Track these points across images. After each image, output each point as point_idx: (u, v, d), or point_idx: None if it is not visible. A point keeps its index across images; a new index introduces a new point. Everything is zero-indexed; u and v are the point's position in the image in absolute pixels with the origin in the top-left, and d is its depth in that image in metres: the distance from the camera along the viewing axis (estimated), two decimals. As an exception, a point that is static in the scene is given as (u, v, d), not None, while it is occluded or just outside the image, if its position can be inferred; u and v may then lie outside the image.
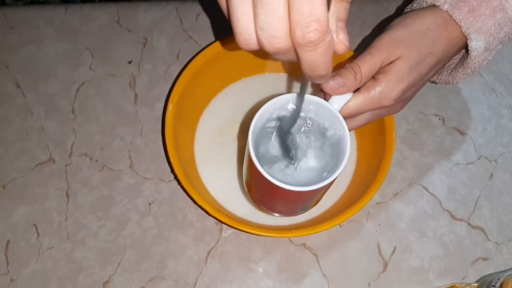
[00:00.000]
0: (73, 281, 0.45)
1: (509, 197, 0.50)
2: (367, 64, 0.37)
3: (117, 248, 0.46)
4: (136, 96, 0.53)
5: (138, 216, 0.48)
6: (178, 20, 0.57)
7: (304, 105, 0.35)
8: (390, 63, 0.38)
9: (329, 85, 0.36)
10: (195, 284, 0.45)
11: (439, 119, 0.53)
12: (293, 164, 0.37)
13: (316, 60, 0.26)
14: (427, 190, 0.50)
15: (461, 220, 0.49)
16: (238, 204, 0.48)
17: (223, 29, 0.56)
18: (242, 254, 0.47)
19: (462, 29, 0.39)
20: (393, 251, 0.47)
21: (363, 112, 0.38)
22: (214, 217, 0.42)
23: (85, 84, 0.53)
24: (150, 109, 0.52)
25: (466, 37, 0.40)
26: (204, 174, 0.49)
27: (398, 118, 0.51)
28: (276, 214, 0.44)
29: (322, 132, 0.37)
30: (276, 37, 0.25)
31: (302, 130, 0.37)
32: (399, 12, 0.53)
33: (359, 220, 0.48)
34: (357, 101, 0.37)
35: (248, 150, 0.34)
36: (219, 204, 0.47)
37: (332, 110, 0.35)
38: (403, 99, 0.40)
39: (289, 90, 0.53)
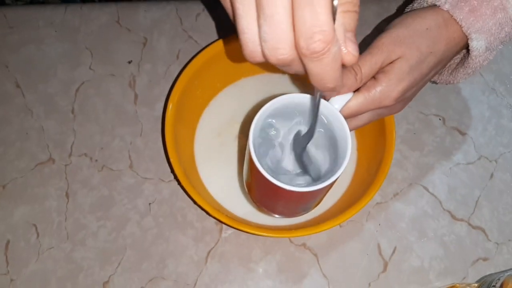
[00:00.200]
0: (73, 281, 0.45)
1: (510, 197, 0.50)
2: (368, 63, 0.37)
3: (117, 248, 0.46)
4: (136, 96, 0.53)
5: (138, 216, 0.48)
6: (178, 20, 0.57)
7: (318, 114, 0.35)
8: (391, 62, 0.37)
9: None
10: (195, 284, 0.45)
11: (439, 119, 0.53)
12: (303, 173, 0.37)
13: (323, 72, 0.25)
14: (427, 190, 0.50)
15: (462, 220, 0.49)
16: (238, 204, 0.48)
17: (223, 29, 0.56)
18: (242, 254, 0.46)
19: (463, 29, 0.39)
20: (393, 251, 0.47)
21: (363, 112, 0.38)
22: (214, 217, 0.42)
23: (85, 84, 0.53)
24: (150, 109, 0.52)
25: (467, 37, 0.40)
26: (204, 174, 0.49)
27: (398, 118, 0.51)
28: (277, 216, 0.43)
29: (323, 132, 0.37)
30: (279, 49, 0.25)
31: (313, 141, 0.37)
32: (400, 11, 0.53)
33: (359, 220, 0.48)
34: (357, 101, 0.37)
35: (249, 150, 0.34)
36: (219, 204, 0.47)
37: (333, 110, 0.35)
38: (404, 99, 0.40)
39: (289, 90, 0.53)
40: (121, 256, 0.46)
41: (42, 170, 0.49)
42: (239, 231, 0.47)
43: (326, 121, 0.36)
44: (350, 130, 0.36)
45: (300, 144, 0.36)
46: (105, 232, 0.47)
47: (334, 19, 0.24)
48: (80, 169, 0.49)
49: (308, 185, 0.33)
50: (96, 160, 0.50)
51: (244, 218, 0.47)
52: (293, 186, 0.32)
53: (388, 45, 0.37)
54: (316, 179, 0.36)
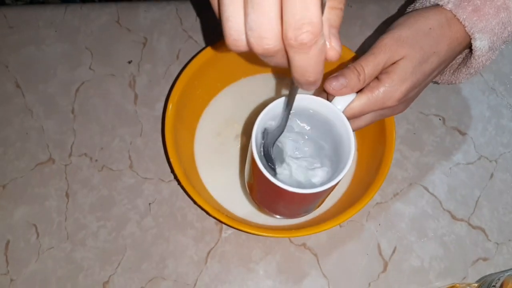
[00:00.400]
0: (73, 281, 0.45)
1: (509, 197, 0.50)
2: (371, 64, 0.37)
3: (117, 248, 0.46)
4: (136, 96, 0.53)
5: (138, 216, 0.48)
6: (178, 20, 0.57)
7: (298, 110, 0.35)
8: (394, 63, 0.37)
9: (332, 86, 0.36)
10: (195, 285, 0.45)
11: (439, 119, 0.53)
12: (289, 166, 0.37)
13: (307, 65, 0.25)
14: (427, 190, 0.50)
15: (461, 220, 0.49)
16: (238, 204, 0.48)
17: (223, 29, 0.56)
18: (242, 254, 0.46)
19: (466, 28, 0.39)
20: (393, 251, 0.47)
21: (366, 113, 0.38)
22: (214, 217, 0.42)
23: (85, 84, 0.53)
24: (150, 109, 0.52)
25: (470, 36, 0.39)
26: (204, 174, 0.49)
27: (398, 118, 0.51)
28: (278, 216, 0.43)
29: (325, 133, 0.37)
30: (265, 38, 0.24)
31: (306, 137, 0.37)
32: (401, 12, 0.53)
33: (359, 220, 0.48)
34: (360, 102, 0.37)
35: (251, 151, 0.34)
36: (219, 204, 0.47)
37: (336, 110, 0.35)
38: (407, 100, 0.40)
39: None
40: (121, 256, 0.46)
41: (42, 170, 0.49)
42: (239, 231, 0.47)
43: (329, 122, 0.36)
44: (353, 131, 0.35)
45: (273, 137, 0.35)
46: (105, 232, 0.47)
47: (322, 13, 0.24)
48: (80, 169, 0.49)
49: (310, 187, 0.33)
50: (96, 160, 0.50)
51: (244, 218, 0.47)
52: (295, 187, 0.32)
53: (391, 46, 0.37)
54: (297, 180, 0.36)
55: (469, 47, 0.41)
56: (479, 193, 0.50)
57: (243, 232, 0.46)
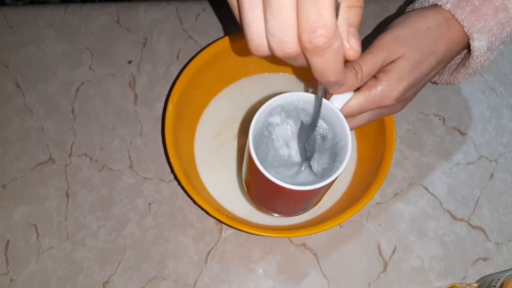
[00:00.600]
0: (73, 281, 0.45)
1: (510, 197, 0.50)
2: (368, 63, 0.37)
3: (117, 248, 0.46)
4: (136, 96, 0.53)
5: (138, 216, 0.48)
6: (178, 20, 0.57)
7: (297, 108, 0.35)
8: (391, 62, 0.37)
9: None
10: (195, 285, 0.45)
11: (439, 119, 0.53)
12: (303, 167, 0.37)
13: (325, 66, 0.26)
14: (427, 190, 0.50)
15: (461, 220, 0.49)
16: (238, 204, 0.48)
17: (223, 29, 0.56)
18: (242, 254, 0.46)
19: (464, 28, 0.39)
20: (393, 251, 0.47)
21: (364, 112, 0.38)
22: (214, 217, 0.42)
23: (85, 84, 0.53)
24: (150, 109, 0.52)
25: (468, 37, 0.40)
26: (204, 174, 0.49)
27: (398, 118, 0.51)
28: (276, 215, 0.43)
29: (323, 132, 0.37)
30: (285, 42, 0.25)
31: (319, 135, 0.37)
32: (400, 12, 0.53)
33: (359, 220, 0.48)
34: (358, 100, 0.37)
35: (249, 148, 0.34)
36: (219, 204, 0.47)
37: (333, 109, 0.35)
38: (404, 99, 0.40)
39: (290, 89, 0.53)
40: (121, 256, 0.46)
41: (42, 170, 0.49)
42: (239, 231, 0.47)
43: (326, 120, 0.36)
44: (351, 130, 0.36)
45: (305, 133, 0.36)
46: (105, 232, 0.47)
47: (337, 15, 0.25)
48: (80, 169, 0.49)
49: (308, 183, 0.33)
50: (96, 160, 0.50)
51: (244, 218, 0.47)
52: (293, 184, 0.32)
53: (389, 45, 0.37)
54: (318, 174, 0.36)
55: (468, 47, 0.41)
56: (479, 193, 0.50)
57: (243, 232, 0.46)
